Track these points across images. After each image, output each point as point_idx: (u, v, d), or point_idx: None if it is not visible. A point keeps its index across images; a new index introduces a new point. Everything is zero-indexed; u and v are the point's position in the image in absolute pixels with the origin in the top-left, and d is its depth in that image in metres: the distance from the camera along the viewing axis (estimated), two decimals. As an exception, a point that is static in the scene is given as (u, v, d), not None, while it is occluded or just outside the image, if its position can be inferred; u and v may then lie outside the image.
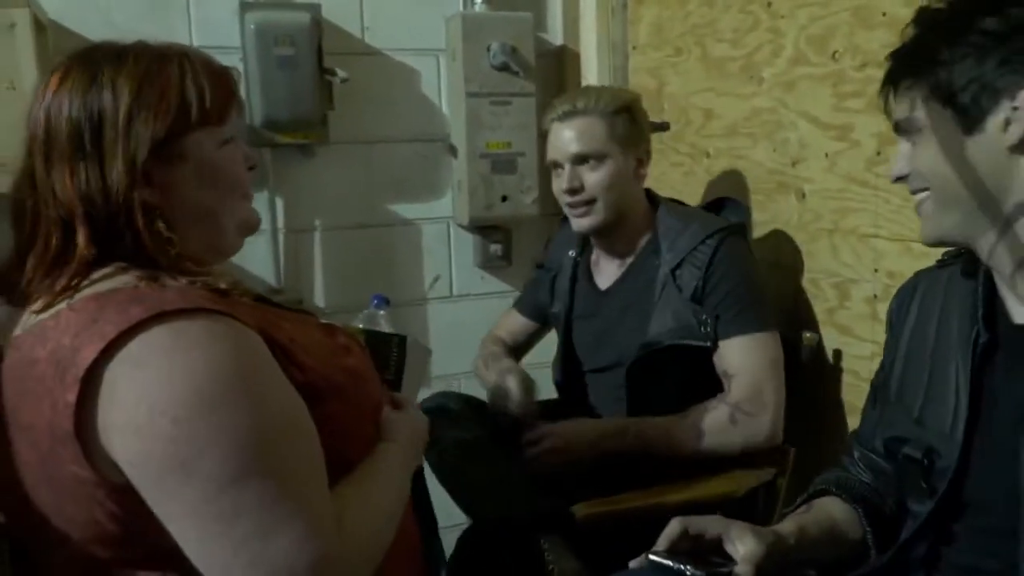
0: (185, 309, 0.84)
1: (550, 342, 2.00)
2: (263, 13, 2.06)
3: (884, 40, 1.46)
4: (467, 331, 2.13)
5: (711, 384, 1.62)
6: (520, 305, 2.04)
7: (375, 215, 2.33)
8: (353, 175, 2.28)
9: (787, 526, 1.11)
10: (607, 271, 1.79)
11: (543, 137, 1.74)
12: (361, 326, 1.23)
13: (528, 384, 1.68)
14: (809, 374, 1.68)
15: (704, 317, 1.58)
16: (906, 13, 1.15)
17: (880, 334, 1.27)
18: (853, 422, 1.42)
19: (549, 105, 1.74)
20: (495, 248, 2.42)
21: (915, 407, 1.09)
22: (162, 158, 0.91)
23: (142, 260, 0.90)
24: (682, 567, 0.99)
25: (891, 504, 1.17)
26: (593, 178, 1.65)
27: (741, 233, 1.69)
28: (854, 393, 1.63)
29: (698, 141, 2.07)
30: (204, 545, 0.82)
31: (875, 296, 1.57)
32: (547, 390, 1.89)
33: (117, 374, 0.81)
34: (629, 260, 1.74)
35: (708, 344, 1.59)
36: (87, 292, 0.88)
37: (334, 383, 0.96)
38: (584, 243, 1.84)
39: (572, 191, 1.66)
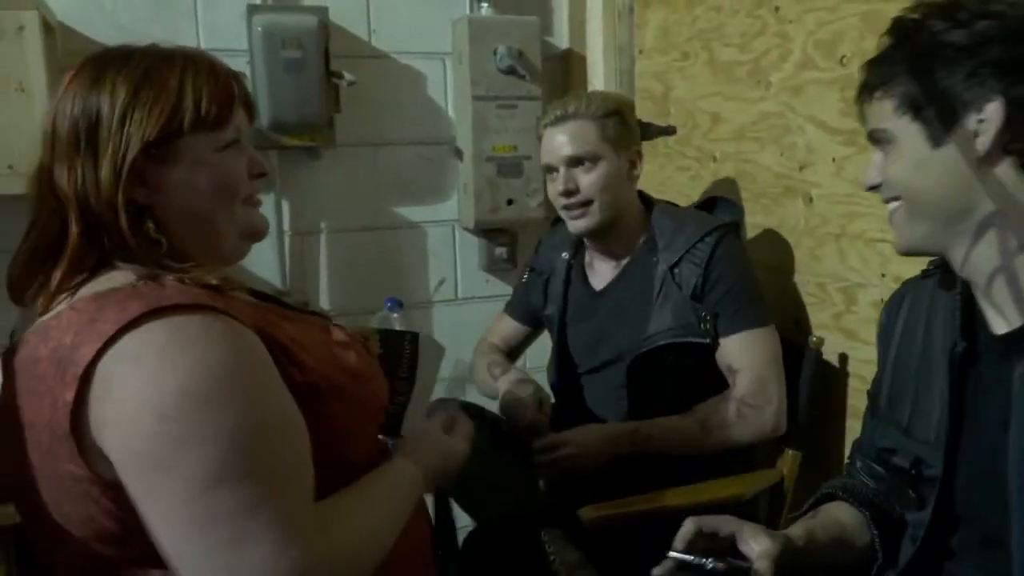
0: (182, 305, 0.84)
1: (543, 346, 2.00)
2: (270, 16, 2.07)
3: (892, 45, 1.46)
4: (472, 334, 2.13)
5: (709, 380, 1.65)
6: (511, 309, 2.04)
7: (381, 218, 2.33)
8: (359, 178, 2.29)
9: (795, 530, 1.11)
10: (602, 272, 1.80)
11: (540, 141, 1.75)
12: (375, 327, 1.24)
13: (540, 397, 1.69)
14: (816, 378, 1.68)
15: (704, 314, 1.61)
16: (915, 18, 1.15)
17: (888, 338, 1.27)
18: (859, 426, 1.42)
19: (541, 111, 1.75)
20: (500, 251, 2.43)
21: (904, 417, 1.10)
22: (155, 159, 0.92)
23: (141, 260, 0.91)
24: (703, 560, 1.00)
25: (898, 510, 1.17)
26: (588, 180, 1.67)
27: (736, 231, 1.72)
28: (860, 397, 1.63)
29: (705, 145, 2.07)
30: (179, 548, 0.81)
31: (882, 300, 1.56)
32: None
33: (112, 370, 0.81)
34: (625, 260, 1.76)
35: (708, 341, 1.62)
36: (88, 292, 0.89)
37: (334, 383, 0.96)
38: (577, 245, 1.86)
39: (568, 193, 1.68)
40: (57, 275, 0.91)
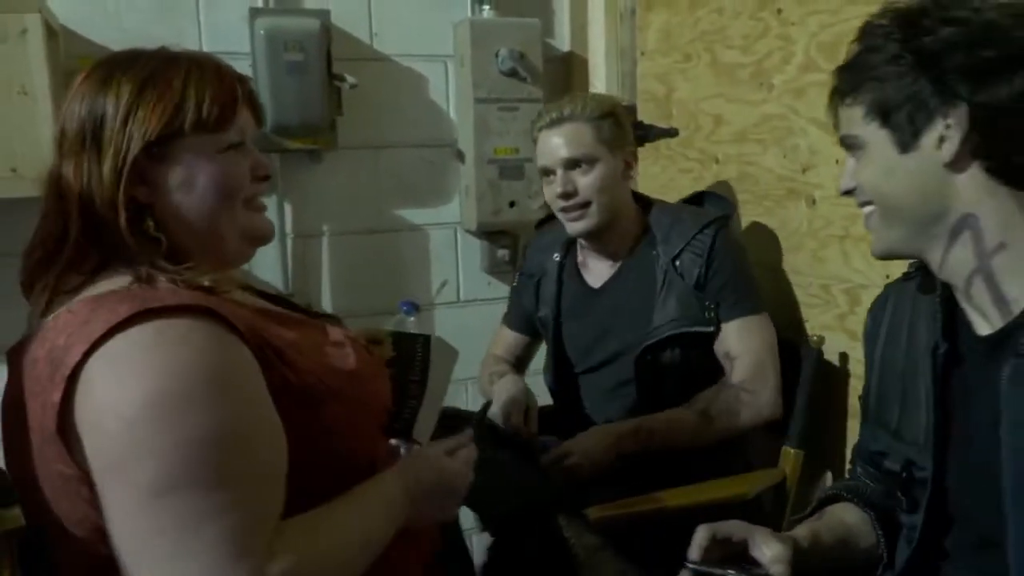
0: (169, 307, 0.84)
1: (540, 348, 2.01)
2: (273, 19, 2.07)
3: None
4: (474, 336, 2.13)
5: (715, 372, 1.68)
6: (509, 320, 2.04)
7: (383, 220, 2.33)
8: (361, 180, 2.29)
9: (800, 531, 1.11)
10: (598, 270, 1.81)
11: (535, 144, 1.77)
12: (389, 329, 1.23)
13: (528, 402, 1.70)
14: (819, 379, 1.68)
15: (708, 303, 1.65)
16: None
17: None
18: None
19: (536, 115, 1.77)
20: (502, 253, 2.43)
21: (893, 420, 1.10)
22: (156, 158, 0.93)
23: (140, 260, 0.92)
24: (725, 572, 1.01)
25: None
26: (585, 181, 1.68)
27: (727, 224, 1.75)
28: (863, 398, 1.64)
29: (707, 147, 2.07)
30: (125, 553, 0.81)
31: (886, 302, 1.57)
32: (541, 396, 1.88)
33: (95, 371, 0.82)
34: (623, 257, 1.77)
35: (712, 329, 1.65)
36: (86, 295, 0.89)
37: (331, 385, 0.96)
38: (568, 246, 1.87)
39: (566, 195, 1.69)
40: (57, 275, 0.92)
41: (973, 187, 0.94)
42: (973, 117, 0.91)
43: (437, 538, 1.14)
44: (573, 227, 1.73)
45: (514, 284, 2.03)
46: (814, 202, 1.74)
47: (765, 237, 1.89)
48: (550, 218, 1.89)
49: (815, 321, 1.77)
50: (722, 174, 2.02)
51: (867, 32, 0.99)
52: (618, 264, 1.77)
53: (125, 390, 0.80)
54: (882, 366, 1.14)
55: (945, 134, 0.92)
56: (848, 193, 1.05)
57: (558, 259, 1.87)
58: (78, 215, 0.91)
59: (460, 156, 2.34)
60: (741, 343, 1.65)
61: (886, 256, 1.05)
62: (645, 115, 2.27)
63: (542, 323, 1.91)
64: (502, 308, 2.09)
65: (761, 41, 1.85)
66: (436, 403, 1.17)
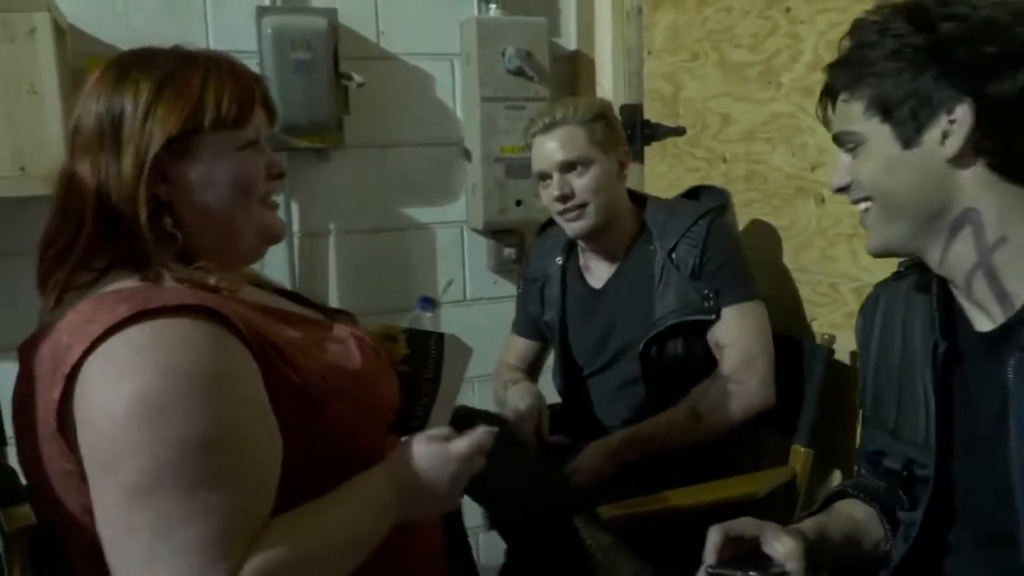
0: (169, 307, 0.84)
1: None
2: (280, 18, 2.07)
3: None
4: (480, 335, 2.10)
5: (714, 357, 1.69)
6: (518, 327, 2.05)
7: (390, 219, 2.33)
8: (368, 179, 2.29)
9: (807, 525, 1.12)
10: (599, 271, 1.82)
11: (529, 150, 1.78)
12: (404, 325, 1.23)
13: (540, 408, 1.71)
14: (827, 377, 1.68)
15: (706, 292, 1.66)
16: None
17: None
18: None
19: (528, 122, 1.78)
20: (509, 252, 2.42)
21: (890, 420, 1.10)
22: (176, 154, 0.93)
23: (152, 257, 0.92)
24: (747, 574, 1.01)
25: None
26: (581, 183, 1.70)
27: (723, 214, 1.77)
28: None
29: (715, 146, 2.07)
30: (108, 551, 0.82)
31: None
32: (550, 394, 1.88)
33: (92, 370, 0.82)
34: (621, 256, 1.79)
35: (713, 317, 1.66)
36: (93, 294, 0.90)
37: (334, 385, 0.96)
38: (569, 249, 1.87)
39: (563, 198, 1.71)
40: (68, 272, 0.92)
41: (975, 182, 0.94)
42: (977, 113, 0.91)
43: (441, 534, 1.13)
44: (572, 228, 1.74)
45: (519, 291, 2.04)
46: (823, 200, 1.73)
47: (773, 236, 1.89)
48: (551, 222, 1.91)
49: (824, 320, 1.77)
50: (730, 173, 2.02)
51: (860, 28, 0.99)
52: (617, 263, 1.79)
53: (117, 389, 0.81)
54: (876, 366, 1.14)
55: (949, 129, 0.92)
56: (841, 190, 1.05)
57: (560, 262, 1.88)
58: (93, 212, 0.91)
59: (467, 155, 2.34)
60: (730, 332, 1.66)
61: (883, 253, 1.05)
62: (652, 114, 2.27)
63: (548, 327, 1.92)
64: (508, 307, 2.09)
65: (770, 39, 1.84)
66: (449, 401, 1.16)
